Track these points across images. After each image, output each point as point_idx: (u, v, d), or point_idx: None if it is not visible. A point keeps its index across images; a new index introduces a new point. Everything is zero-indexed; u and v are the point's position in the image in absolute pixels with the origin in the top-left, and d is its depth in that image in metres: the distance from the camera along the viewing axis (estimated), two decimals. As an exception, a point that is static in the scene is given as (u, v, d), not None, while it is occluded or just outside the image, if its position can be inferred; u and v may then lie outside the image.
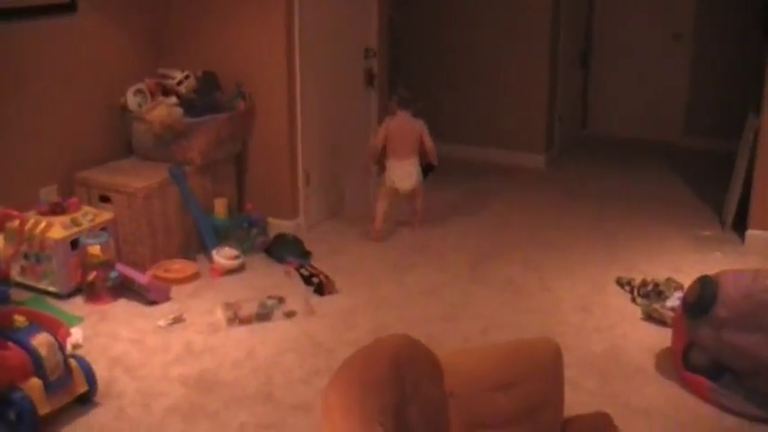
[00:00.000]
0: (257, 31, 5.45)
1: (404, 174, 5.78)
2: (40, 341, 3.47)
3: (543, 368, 2.63)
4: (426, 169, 5.91)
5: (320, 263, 5.23)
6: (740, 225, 5.76)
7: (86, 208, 4.94)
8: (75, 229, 4.71)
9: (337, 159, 6.19)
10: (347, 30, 6.10)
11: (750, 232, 5.61)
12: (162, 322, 4.45)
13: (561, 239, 5.78)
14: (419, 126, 5.77)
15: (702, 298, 3.71)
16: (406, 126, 5.75)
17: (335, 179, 6.20)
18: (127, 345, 4.23)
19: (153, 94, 5.40)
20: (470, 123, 7.71)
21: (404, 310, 4.69)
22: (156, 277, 4.88)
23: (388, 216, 5.87)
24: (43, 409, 3.42)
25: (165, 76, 5.49)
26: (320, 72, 5.76)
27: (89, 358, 3.78)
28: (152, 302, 4.67)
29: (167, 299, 4.74)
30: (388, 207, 5.82)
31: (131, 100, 5.33)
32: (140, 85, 5.39)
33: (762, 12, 6.05)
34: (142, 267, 4.95)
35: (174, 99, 5.35)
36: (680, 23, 8.37)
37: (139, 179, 5.06)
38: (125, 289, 4.75)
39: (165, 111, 5.21)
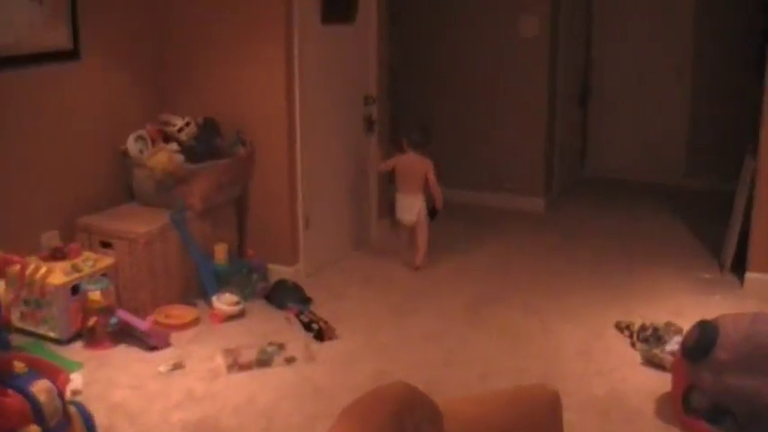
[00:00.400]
0: (258, 77, 5.50)
1: (406, 206, 6.09)
2: (40, 388, 3.46)
3: (542, 415, 2.63)
4: (432, 212, 6.08)
5: (320, 309, 5.24)
6: (739, 267, 5.77)
7: (87, 253, 4.95)
8: (76, 275, 4.73)
9: (338, 204, 6.21)
10: (347, 77, 6.16)
11: (749, 275, 5.62)
12: (162, 368, 4.45)
13: (561, 283, 5.79)
14: (426, 166, 5.99)
15: (702, 342, 3.72)
16: (413, 164, 6.03)
17: (335, 224, 6.22)
18: (127, 391, 4.22)
19: (154, 141, 5.44)
20: (469, 168, 7.75)
21: (403, 355, 4.69)
22: (156, 323, 4.88)
23: (408, 245, 6.23)
24: (43, 456, 3.40)
25: (167, 123, 5.53)
26: (320, 118, 5.81)
27: (89, 405, 3.75)
28: (152, 348, 4.67)
29: (168, 345, 4.74)
30: (407, 238, 6.25)
31: (132, 146, 5.37)
32: (141, 132, 5.43)
33: (758, 51, 6.11)
34: (143, 313, 4.96)
35: (174, 145, 5.40)
36: (680, 67, 8.43)
37: (140, 225, 5.08)
38: (125, 335, 4.75)
39: (165, 157, 5.25)
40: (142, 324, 4.73)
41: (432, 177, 6.00)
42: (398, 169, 6.08)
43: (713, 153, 8.29)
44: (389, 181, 6.38)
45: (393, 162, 6.12)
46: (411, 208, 6.07)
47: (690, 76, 8.45)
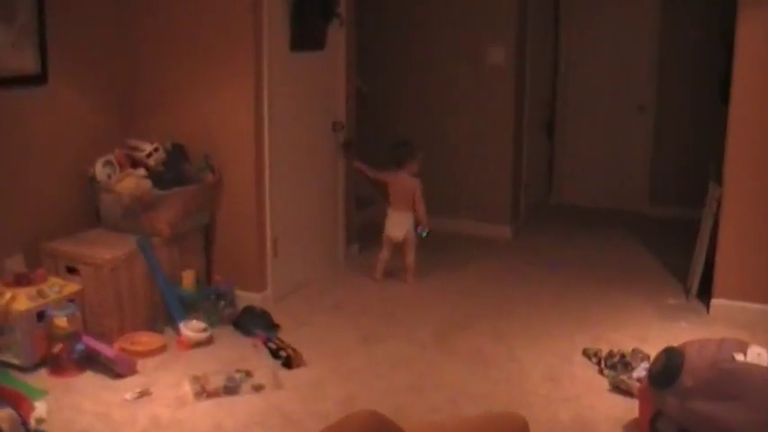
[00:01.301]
0: (226, 103, 5.50)
1: (395, 222, 6.35)
2: (3, 416, 3.43)
3: (511, 443, 2.64)
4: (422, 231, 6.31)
5: (288, 335, 5.22)
6: (705, 294, 5.83)
7: (53, 279, 4.91)
8: (41, 301, 4.68)
9: (306, 230, 6.21)
10: (315, 103, 6.18)
11: (714, 301, 5.67)
12: (128, 395, 4.40)
13: (528, 309, 5.82)
14: (414, 186, 6.31)
15: (668, 368, 3.74)
16: (402, 183, 6.33)
17: (304, 250, 6.21)
18: (92, 418, 4.17)
19: (122, 166, 5.42)
20: (436, 194, 7.74)
21: (372, 381, 4.68)
22: (122, 350, 4.84)
23: (389, 264, 6.43)
24: (6, 486, 3.36)
25: (135, 148, 5.50)
26: (289, 144, 5.81)
27: (53, 433, 3.73)
28: (118, 375, 4.62)
29: (134, 372, 4.69)
30: (388, 255, 6.39)
31: (100, 171, 5.34)
32: (109, 157, 5.40)
33: (719, 79, 6.21)
34: (109, 339, 4.91)
35: (142, 171, 5.37)
36: (643, 95, 8.56)
37: (107, 250, 5.04)
38: (91, 361, 4.70)
39: (133, 182, 5.23)
40: (108, 351, 4.68)
41: (418, 197, 6.25)
42: (390, 186, 6.37)
43: (677, 180, 8.39)
44: (384, 197, 6.55)
45: (383, 176, 6.42)
46: (400, 225, 6.32)
47: (654, 106, 8.55)
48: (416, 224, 6.33)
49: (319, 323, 5.54)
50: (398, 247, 6.39)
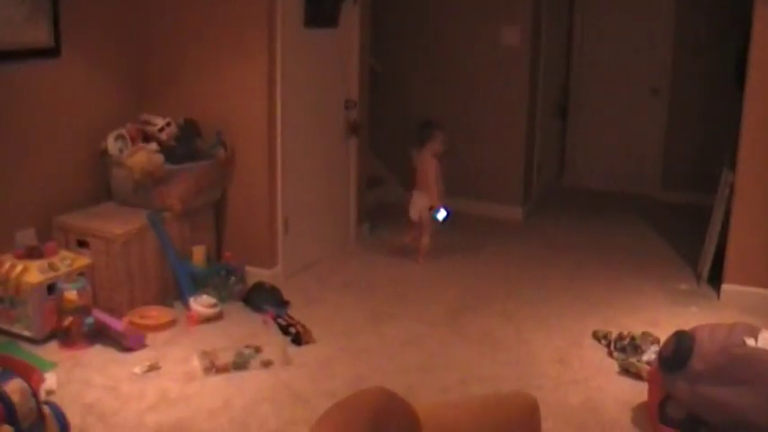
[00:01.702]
0: (239, 79, 5.49)
1: (413, 203, 6.40)
2: (13, 387, 3.43)
3: (520, 423, 2.63)
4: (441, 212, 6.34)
5: (298, 312, 5.22)
6: (716, 279, 5.81)
7: (64, 252, 4.92)
8: (52, 274, 4.69)
9: (317, 209, 6.20)
10: (328, 80, 6.15)
11: (725, 286, 5.65)
12: (137, 369, 4.42)
13: (538, 292, 5.81)
14: (430, 165, 6.33)
15: (678, 352, 3.73)
16: (421, 163, 6.37)
17: (315, 228, 6.20)
18: (101, 392, 4.19)
19: (134, 140, 5.41)
20: (448, 174, 7.73)
21: (382, 360, 4.68)
22: (132, 324, 4.85)
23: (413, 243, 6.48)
24: (15, 456, 3.37)
25: (147, 123, 5.50)
26: (301, 121, 5.80)
27: (62, 405, 3.74)
28: (128, 349, 4.63)
29: (143, 346, 4.70)
30: (412, 236, 6.47)
31: (112, 145, 5.34)
32: (121, 131, 5.40)
33: (734, 65, 6.17)
34: (118, 314, 4.92)
35: (154, 145, 5.36)
36: (657, 79, 8.50)
37: (118, 225, 5.05)
38: (101, 335, 4.71)
39: (145, 157, 5.22)
40: (118, 325, 4.69)
41: (430, 178, 6.31)
42: (415, 167, 6.42)
43: (691, 166, 8.34)
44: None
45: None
46: (415, 205, 6.37)
47: (668, 91, 8.49)
48: (430, 206, 6.32)
49: (329, 301, 5.54)
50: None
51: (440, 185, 6.34)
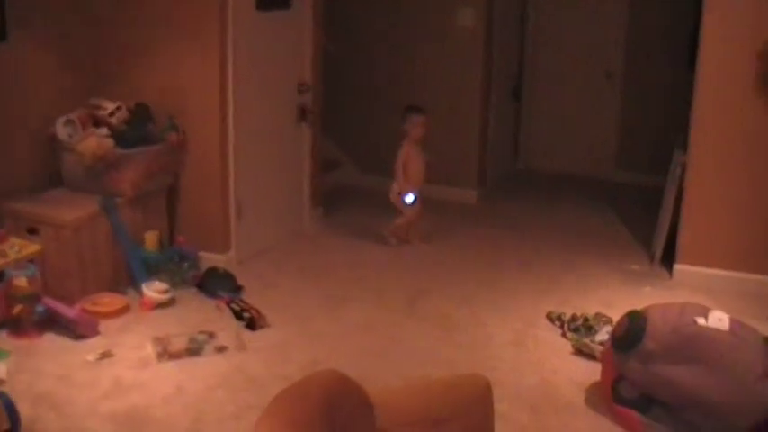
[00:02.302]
0: (190, 63, 5.43)
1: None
2: (-38, 377, 3.38)
3: (474, 404, 2.64)
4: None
5: (252, 297, 5.19)
6: (669, 259, 5.86)
7: (13, 239, 4.84)
8: (1, 261, 4.61)
9: (271, 192, 6.16)
10: (281, 62, 6.10)
11: (678, 266, 5.71)
12: (90, 357, 4.37)
13: (494, 274, 5.82)
14: (399, 150, 6.34)
15: (631, 332, 3.76)
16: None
17: (269, 212, 6.17)
18: (53, 381, 4.14)
19: (84, 125, 5.33)
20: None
21: (338, 344, 4.67)
22: (84, 311, 4.80)
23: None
24: (-36, 447, 3.33)
25: (97, 107, 5.42)
26: (253, 105, 5.75)
27: (13, 395, 3.68)
28: (80, 337, 4.58)
29: (96, 333, 4.65)
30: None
31: (61, 130, 5.26)
32: (71, 116, 5.31)
33: (687, 46, 6.22)
34: (70, 301, 4.86)
35: (105, 130, 5.29)
36: (611, 61, 8.54)
37: (69, 211, 4.98)
38: (52, 323, 4.65)
39: (95, 142, 5.15)
40: (70, 312, 4.64)
41: (397, 160, 6.29)
42: None
43: (644, 147, 8.40)
44: None
45: None
46: (392, 189, 6.36)
47: (622, 73, 8.54)
48: (398, 191, 6.34)
49: (284, 285, 5.51)
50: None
51: (416, 171, 6.31)
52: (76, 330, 4.59)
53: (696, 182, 5.58)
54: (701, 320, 3.68)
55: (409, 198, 6.30)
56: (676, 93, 7.39)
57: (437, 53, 7.57)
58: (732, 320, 3.72)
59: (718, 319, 3.70)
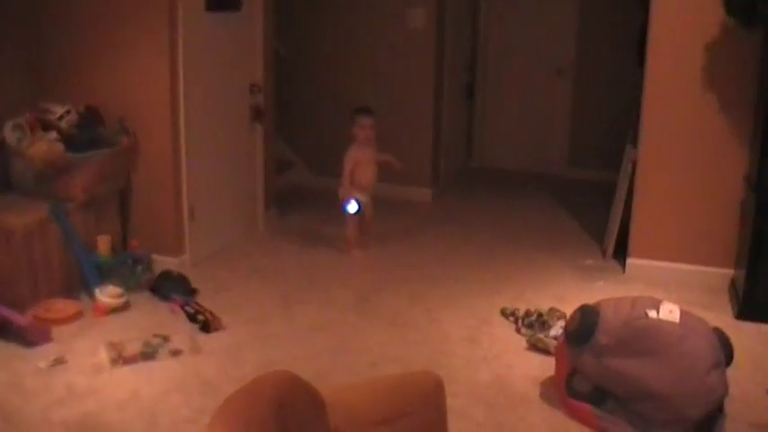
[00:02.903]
0: (141, 65, 5.39)
1: None
2: None
3: (425, 400, 2.64)
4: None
5: (206, 300, 5.17)
6: (621, 254, 5.93)
7: (-39, 247, 4.78)
8: (-50, 270, 4.56)
9: (224, 195, 6.14)
10: (233, 65, 6.08)
11: (630, 260, 5.78)
12: (42, 364, 4.31)
13: (447, 272, 5.85)
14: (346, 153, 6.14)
15: (583, 326, 3.79)
16: None
17: (222, 215, 6.14)
18: (4, 389, 4.07)
19: (32, 129, 5.26)
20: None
21: (292, 345, 4.66)
22: (36, 317, 4.74)
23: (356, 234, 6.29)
24: None
25: (46, 111, 5.36)
26: (205, 106, 5.73)
27: (-37, 404, 3.64)
28: (32, 344, 4.52)
29: (48, 340, 4.59)
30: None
31: (9, 135, 5.19)
32: (19, 120, 5.24)
33: (636, 42, 6.30)
34: (22, 307, 4.79)
35: (54, 134, 5.23)
36: (562, 58, 8.62)
37: (18, 216, 4.91)
38: (2, 330, 4.58)
39: (45, 146, 5.10)
40: (20, 319, 4.57)
41: (344, 167, 6.07)
42: None
43: (596, 143, 8.49)
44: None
45: None
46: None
47: (573, 69, 8.63)
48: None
49: (238, 288, 5.49)
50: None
51: (364, 175, 6.11)
52: (28, 337, 4.53)
53: (646, 176, 5.64)
54: (652, 313, 3.71)
55: (352, 207, 6.07)
56: (627, 88, 7.48)
57: (389, 54, 7.60)
58: (683, 312, 3.76)
59: (668, 312, 3.73)
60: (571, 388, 3.91)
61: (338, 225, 6.36)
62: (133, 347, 4.48)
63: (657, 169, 5.60)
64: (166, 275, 5.34)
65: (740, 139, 5.39)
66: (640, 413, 3.69)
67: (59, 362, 4.35)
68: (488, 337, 4.78)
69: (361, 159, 6.08)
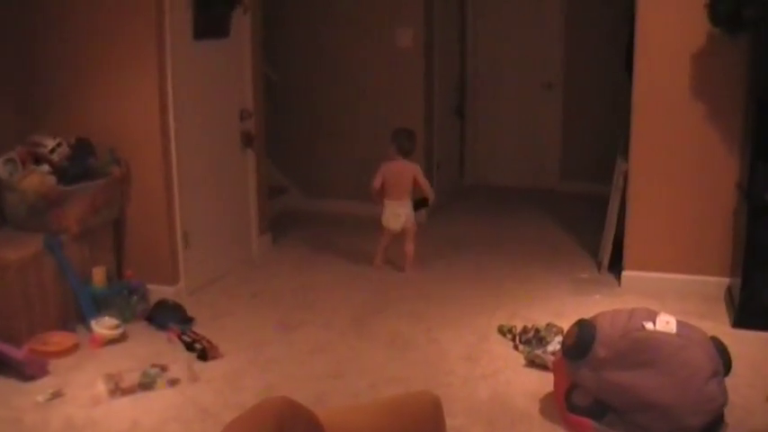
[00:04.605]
0: (130, 95, 5.40)
1: (392, 214, 6.27)
2: None
3: (424, 421, 2.64)
4: (420, 203, 6.37)
5: (204, 328, 5.16)
6: (616, 267, 5.93)
7: (-44, 283, 4.77)
8: (-55, 306, 4.54)
9: (217, 222, 6.14)
10: (222, 92, 6.10)
11: (625, 273, 5.78)
12: (40, 398, 4.29)
13: (444, 290, 5.85)
14: (413, 169, 6.26)
15: (581, 340, 3.79)
16: (402, 170, 6.24)
17: (217, 241, 6.14)
18: (2, 425, 4.05)
19: (24, 163, 5.27)
20: (347, 178, 7.76)
21: (291, 369, 4.65)
22: (32, 351, 4.72)
23: (388, 252, 6.42)
24: None
25: (37, 144, 5.36)
26: (196, 134, 5.74)
27: (-38, 441, 3.63)
28: (29, 378, 4.50)
29: (45, 373, 4.58)
30: (388, 243, 6.36)
31: (1, 169, 5.19)
32: (11, 154, 5.25)
33: (624, 53, 6.33)
34: (18, 341, 4.77)
35: (46, 167, 5.24)
36: (551, 73, 8.65)
37: (12, 250, 4.90)
38: None
39: (37, 179, 5.10)
40: (17, 353, 4.56)
41: (422, 180, 6.26)
42: (387, 178, 6.23)
43: (588, 157, 8.51)
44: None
45: (381, 175, 6.24)
46: (397, 216, 6.26)
47: (562, 84, 8.66)
48: (421, 200, 6.40)
49: (236, 314, 5.49)
50: (397, 236, 6.38)
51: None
52: (25, 371, 4.51)
53: (638, 188, 5.66)
54: (648, 325, 3.72)
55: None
56: (617, 101, 7.50)
57: (378, 75, 7.62)
58: (679, 323, 3.77)
59: (665, 323, 3.74)
60: (571, 403, 3.90)
61: (334, 246, 6.36)
62: (131, 378, 4.46)
63: (649, 181, 5.62)
64: (162, 305, 5.33)
65: (731, 147, 5.41)
66: (641, 425, 3.69)
67: (57, 395, 4.33)
68: (487, 355, 4.77)
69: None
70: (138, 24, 5.28)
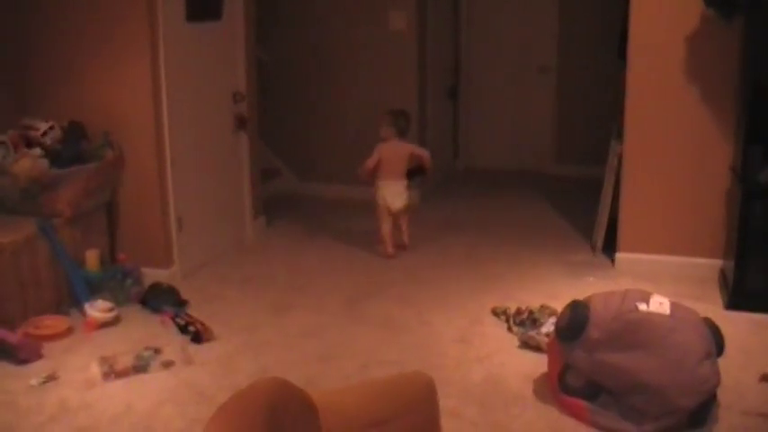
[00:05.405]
0: (123, 78, 5.38)
1: (395, 193, 6.25)
2: None
3: (417, 402, 2.64)
4: (415, 172, 6.38)
5: (197, 310, 5.16)
6: (610, 248, 5.94)
7: (-51, 267, 4.76)
8: (-62, 290, 4.54)
9: (211, 205, 6.13)
10: (215, 74, 6.08)
11: (619, 255, 5.79)
12: (34, 381, 4.29)
13: (437, 273, 5.86)
14: (409, 147, 6.34)
15: (574, 322, 3.80)
16: (398, 150, 6.25)
17: (210, 225, 6.13)
18: (-3, 407, 4.07)
19: (16, 147, 5.25)
20: (341, 161, 7.74)
21: (284, 352, 4.66)
22: (26, 335, 4.72)
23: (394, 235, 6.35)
24: None
25: (29, 128, 5.35)
26: (189, 117, 5.72)
27: (-45, 424, 3.63)
28: (23, 361, 4.50)
29: (39, 356, 4.58)
30: (391, 227, 6.31)
31: (-7, 153, 5.19)
32: (2, 137, 5.23)
33: (618, 36, 6.32)
34: (11, 325, 4.77)
35: (38, 151, 5.22)
36: (545, 56, 8.64)
37: (5, 234, 4.89)
38: (-7, 349, 4.58)
39: (29, 163, 5.08)
40: (10, 337, 4.56)
41: (417, 150, 6.37)
42: (384, 158, 6.21)
43: (582, 139, 8.51)
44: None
45: (377, 154, 6.22)
46: (400, 194, 6.26)
47: (556, 67, 8.65)
48: (417, 168, 6.39)
49: (229, 297, 5.49)
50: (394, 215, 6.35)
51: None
52: (19, 355, 4.51)
53: (632, 170, 5.66)
54: (642, 306, 3.73)
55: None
56: (611, 84, 7.50)
57: (371, 58, 7.61)
58: (673, 304, 3.78)
59: (659, 304, 3.75)
60: (564, 384, 3.91)
61: (326, 230, 6.36)
62: (125, 361, 4.46)
63: (643, 163, 5.62)
64: (156, 288, 5.33)
65: (724, 130, 5.41)
66: (634, 406, 3.70)
67: (51, 378, 4.33)
68: (480, 337, 4.78)
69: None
70: (131, 7, 5.25)
